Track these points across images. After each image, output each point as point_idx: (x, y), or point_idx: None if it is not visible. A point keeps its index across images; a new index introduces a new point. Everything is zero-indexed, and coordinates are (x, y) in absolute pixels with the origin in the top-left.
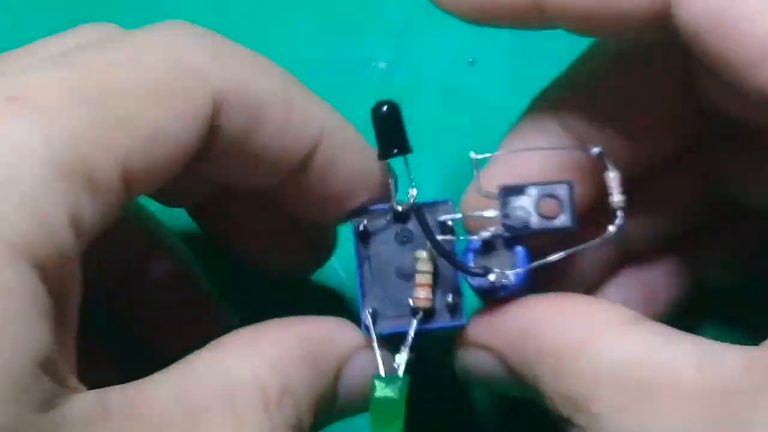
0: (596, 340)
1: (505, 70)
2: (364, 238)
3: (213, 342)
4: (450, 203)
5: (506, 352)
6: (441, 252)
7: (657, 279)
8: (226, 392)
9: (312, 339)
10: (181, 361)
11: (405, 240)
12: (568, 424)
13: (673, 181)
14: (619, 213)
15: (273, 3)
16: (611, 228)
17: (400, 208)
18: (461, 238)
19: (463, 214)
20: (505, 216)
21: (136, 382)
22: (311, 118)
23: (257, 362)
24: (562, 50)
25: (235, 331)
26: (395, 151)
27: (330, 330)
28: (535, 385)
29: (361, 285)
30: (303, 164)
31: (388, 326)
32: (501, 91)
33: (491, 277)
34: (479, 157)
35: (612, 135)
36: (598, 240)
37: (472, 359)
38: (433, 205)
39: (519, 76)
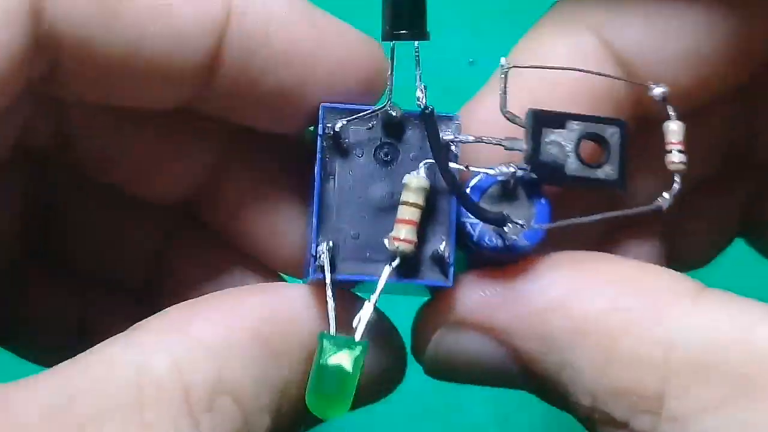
0: (666, 316)
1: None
2: (334, 145)
3: (136, 324)
4: (458, 120)
5: (517, 333)
6: (449, 180)
7: (655, 249)
8: (131, 393)
9: (264, 317)
10: (89, 350)
11: (388, 159)
12: (615, 429)
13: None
14: (677, 177)
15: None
16: (666, 195)
17: (393, 113)
18: (471, 169)
19: (475, 138)
20: (534, 151)
21: (11, 383)
22: None
23: (181, 351)
24: None
25: (166, 309)
26: (405, 32)
27: (289, 303)
28: (560, 378)
29: (317, 209)
30: (211, 61)
31: (348, 270)
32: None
33: (507, 229)
34: (511, 66)
35: (674, 67)
36: (649, 207)
37: (458, 343)
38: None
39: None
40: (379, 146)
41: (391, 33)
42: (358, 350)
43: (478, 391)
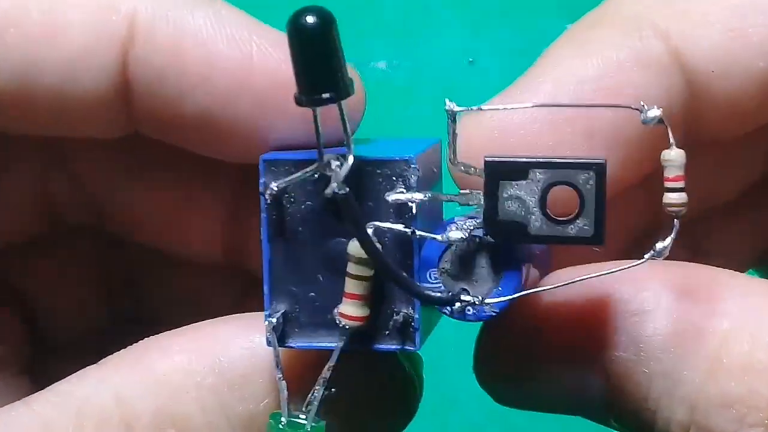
0: None
1: (505, 70)
2: (276, 204)
3: (104, 359)
4: (412, 163)
5: (608, 337)
6: (380, 265)
7: None
8: (72, 427)
9: (223, 348)
10: (46, 389)
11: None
12: None
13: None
14: (676, 222)
15: (273, 3)
16: (659, 245)
17: (334, 164)
18: (418, 233)
19: (429, 195)
20: (491, 209)
21: None
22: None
23: (128, 383)
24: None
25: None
26: (325, 95)
27: (252, 334)
28: (649, 390)
29: (269, 274)
30: (116, 87)
31: (302, 338)
32: (501, 91)
33: (457, 307)
34: (459, 109)
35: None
36: (643, 260)
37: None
38: (383, 164)
39: (518, 76)
40: (329, 201)
41: (307, 98)
42: (310, 428)
43: (476, 389)
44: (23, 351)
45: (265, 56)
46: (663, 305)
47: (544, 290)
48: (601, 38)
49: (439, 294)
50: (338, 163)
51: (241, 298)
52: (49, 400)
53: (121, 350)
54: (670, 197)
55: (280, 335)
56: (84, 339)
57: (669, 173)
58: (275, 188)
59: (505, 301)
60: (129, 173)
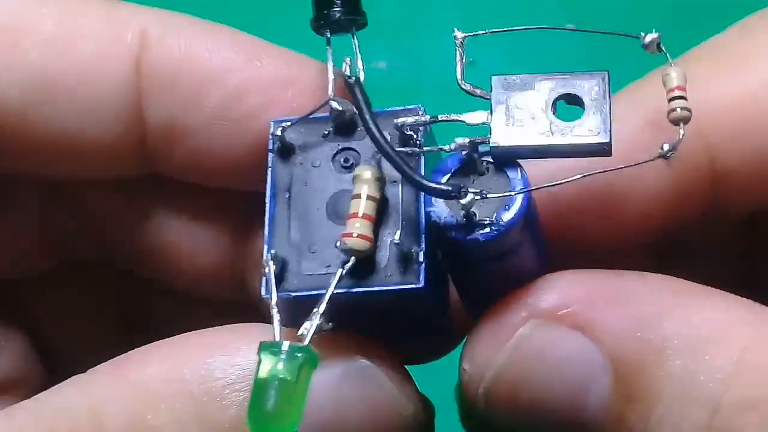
0: None
1: (505, 70)
2: (284, 154)
3: (89, 370)
4: (421, 110)
5: (623, 336)
6: (385, 153)
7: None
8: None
9: (202, 358)
10: (30, 398)
11: (348, 164)
12: None
13: None
14: (681, 126)
15: (272, 3)
16: (666, 145)
17: (339, 107)
18: (426, 149)
19: (431, 118)
20: (498, 121)
21: None
22: (112, 24)
23: (104, 392)
24: (561, 51)
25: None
26: (338, 14)
27: (233, 343)
28: (662, 393)
29: (270, 222)
30: (129, 98)
31: (299, 285)
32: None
33: (466, 200)
34: (467, 35)
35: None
36: (648, 159)
37: (550, 340)
38: (391, 114)
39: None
40: (338, 152)
41: (318, 22)
42: (301, 357)
43: None
44: (33, 375)
45: (271, 58)
46: (684, 307)
47: (555, 184)
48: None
49: (446, 186)
50: (340, 107)
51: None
52: (26, 407)
53: (108, 361)
54: (674, 104)
55: (277, 282)
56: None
57: (671, 84)
58: (284, 127)
59: (519, 202)
60: (136, 209)
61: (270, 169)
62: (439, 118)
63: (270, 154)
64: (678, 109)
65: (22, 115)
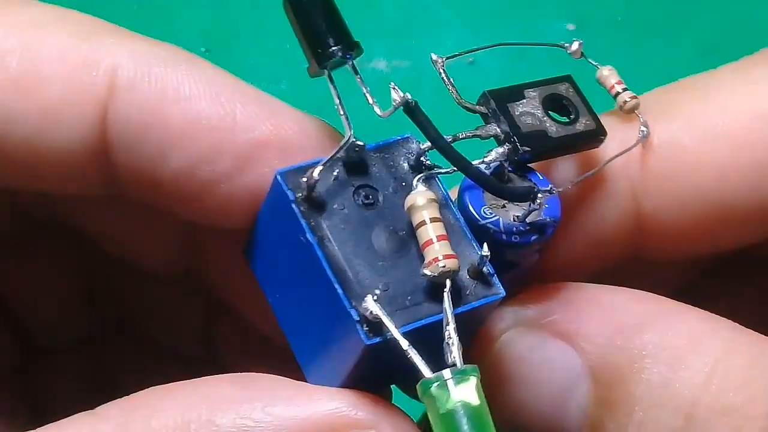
0: None
1: (505, 70)
2: (311, 206)
3: (96, 408)
4: (413, 140)
5: (604, 344)
6: (457, 163)
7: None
8: None
9: (207, 422)
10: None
11: (370, 201)
12: None
13: None
14: (638, 113)
15: (272, 3)
16: (644, 128)
17: (359, 142)
18: (476, 163)
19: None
20: (515, 127)
21: None
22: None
23: None
24: (560, 50)
25: (134, 394)
26: (333, 49)
27: (237, 402)
28: (639, 400)
29: (333, 276)
30: (94, 142)
31: (401, 322)
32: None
33: (540, 198)
34: (442, 59)
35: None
36: (632, 146)
37: (531, 348)
38: (388, 146)
39: (518, 76)
40: (355, 191)
41: (319, 60)
42: (472, 377)
43: None
44: (6, 355)
45: (248, 114)
46: (661, 318)
47: (581, 180)
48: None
49: (524, 189)
50: (361, 143)
51: (207, 314)
52: None
53: (115, 401)
54: (623, 96)
55: (376, 326)
56: (68, 344)
57: (611, 81)
58: (307, 180)
59: (556, 200)
60: (90, 202)
61: (303, 222)
62: (460, 137)
63: (295, 208)
64: (628, 99)
65: None
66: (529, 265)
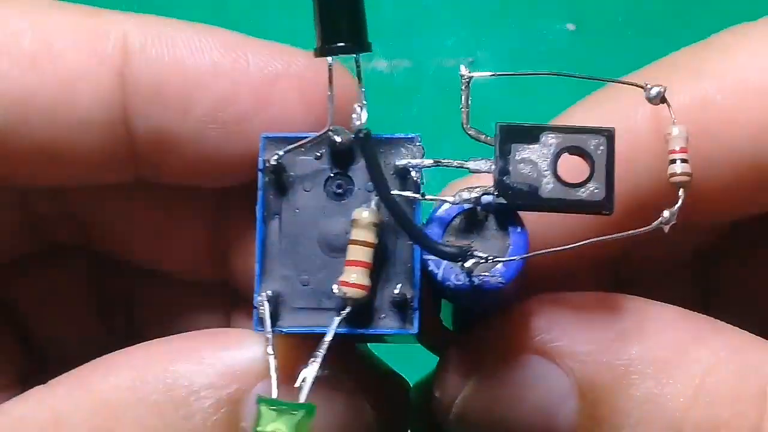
0: (754, 352)
1: (505, 70)
2: (276, 179)
3: (51, 381)
4: (418, 141)
5: (591, 362)
6: (392, 210)
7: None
8: None
9: (165, 371)
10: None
11: (341, 192)
12: None
13: None
14: (681, 191)
15: (272, 3)
16: (666, 213)
17: (338, 139)
18: (428, 198)
19: (434, 161)
20: (503, 171)
21: None
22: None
23: (67, 404)
24: (560, 51)
25: (90, 362)
26: (341, 44)
27: (195, 355)
28: (628, 416)
29: (262, 255)
30: (117, 94)
31: (295, 321)
32: (501, 90)
33: (469, 263)
34: (474, 75)
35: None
36: (648, 227)
37: (514, 374)
38: (391, 141)
39: (518, 77)
40: (330, 178)
41: (322, 48)
42: (300, 415)
43: None
44: (16, 364)
45: (259, 55)
46: (650, 331)
47: (556, 251)
48: (602, 109)
49: (450, 248)
50: (339, 138)
51: (230, 313)
52: None
53: (71, 371)
54: (674, 168)
55: (271, 318)
56: (79, 354)
57: (674, 145)
58: (275, 158)
59: (514, 261)
60: (111, 193)
61: (260, 192)
62: (442, 163)
63: (260, 176)
64: (678, 172)
65: (2, 135)
66: (505, 296)
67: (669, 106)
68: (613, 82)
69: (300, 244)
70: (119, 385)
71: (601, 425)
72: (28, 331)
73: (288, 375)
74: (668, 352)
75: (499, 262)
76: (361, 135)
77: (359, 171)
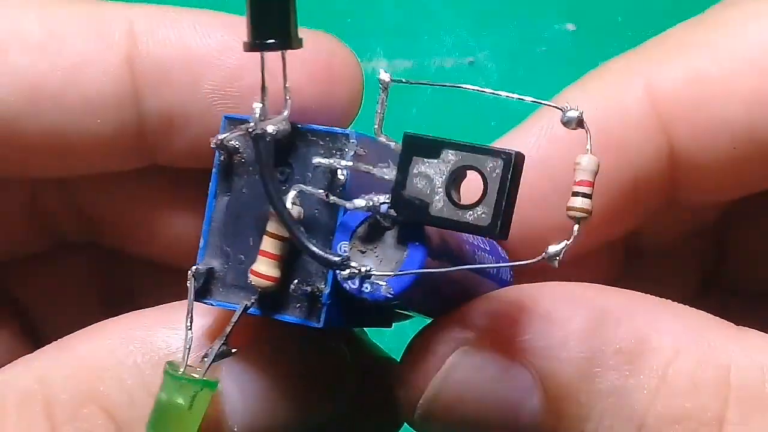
0: (717, 341)
1: (505, 70)
2: (229, 161)
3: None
4: (353, 138)
5: (551, 356)
6: (274, 205)
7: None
8: None
9: (149, 332)
10: None
11: (282, 179)
12: None
13: None
14: (576, 227)
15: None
16: (551, 248)
17: (272, 132)
18: (331, 199)
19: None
20: (399, 184)
21: None
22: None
23: (53, 366)
24: (560, 51)
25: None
26: (270, 40)
27: (173, 321)
28: (592, 410)
29: (208, 227)
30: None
31: (221, 297)
32: (500, 90)
33: (346, 272)
34: (389, 80)
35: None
36: (534, 260)
37: (476, 368)
38: (327, 135)
39: (518, 76)
40: (277, 164)
41: (252, 42)
42: (197, 387)
43: None
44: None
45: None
46: (612, 322)
47: (442, 271)
48: (594, 89)
49: (328, 255)
50: (275, 127)
51: None
52: None
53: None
54: (575, 201)
55: (200, 290)
56: None
57: (579, 177)
58: (219, 139)
59: (407, 275)
60: (118, 186)
61: (215, 169)
62: (361, 168)
63: (216, 154)
64: (577, 206)
65: (12, 123)
66: (431, 299)
67: (587, 131)
68: (536, 102)
69: (241, 224)
70: (102, 348)
71: (565, 421)
72: (35, 326)
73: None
74: (629, 342)
75: (379, 275)
76: (251, 133)
77: (301, 162)
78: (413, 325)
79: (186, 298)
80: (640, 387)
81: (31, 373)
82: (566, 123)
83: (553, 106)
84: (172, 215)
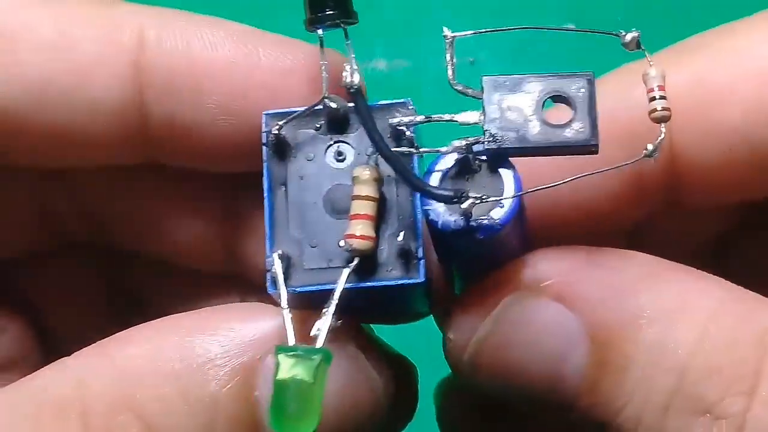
0: (755, 303)
1: (506, 70)
2: (279, 150)
3: (76, 353)
4: (410, 105)
5: (601, 304)
6: (388, 158)
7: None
8: (32, 411)
9: (182, 341)
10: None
11: (342, 158)
12: (694, 417)
13: None
14: (662, 126)
15: (272, 3)
16: (650, 145)
17: (333, 105)
18: (422, 150)
19: (425, 117)
20: (491, 121)
21: None
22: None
23: (93, 372)
24: (561, 50)
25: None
26: (329, 12)
27: (210, 327)
28: (634, 360)
29: (271, 220)
30: (132, 92)
31: (306, 280)
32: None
33: (466, 204)
34: (457, 35)
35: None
36: (633, 160)
37: (526, 312)
38: (385, 107)
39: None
40: (330, 146)
41: (312, 19)
42: (317, 358)
43: None
44: (32, 355)
45: (270, 50)
46: (656, 279)
47: (547, 187)
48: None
49: (448, 192)
50: (334, 104)
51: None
52: (9, 391)
53: (100, 341)
54: (654, 105)
55: (274, 281)
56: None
57: (651, 84)
58: (276, 129)
59: (510, 198)
60: (124, 186)
61: (266, 164)
62: (433, 118)
63: (264, 149)
64: (659, 108)
65: (20, 117)
66: (510, 244)
67: (645, 51)
68: (596, 33)
69: (306, 210)
70: (138, 355)
71: (609, 369)
72: (43, 325)
73: (301, 342)
74: (674, 300)
75: (495, 200)
76: (352, 90)
77: (357, 136)
78: (411, 328)
79: (198, 301)
80: (683, 340)
81: (67, 378)
82: (625, 45)
83: (609, 33)
84: (178, 216)
